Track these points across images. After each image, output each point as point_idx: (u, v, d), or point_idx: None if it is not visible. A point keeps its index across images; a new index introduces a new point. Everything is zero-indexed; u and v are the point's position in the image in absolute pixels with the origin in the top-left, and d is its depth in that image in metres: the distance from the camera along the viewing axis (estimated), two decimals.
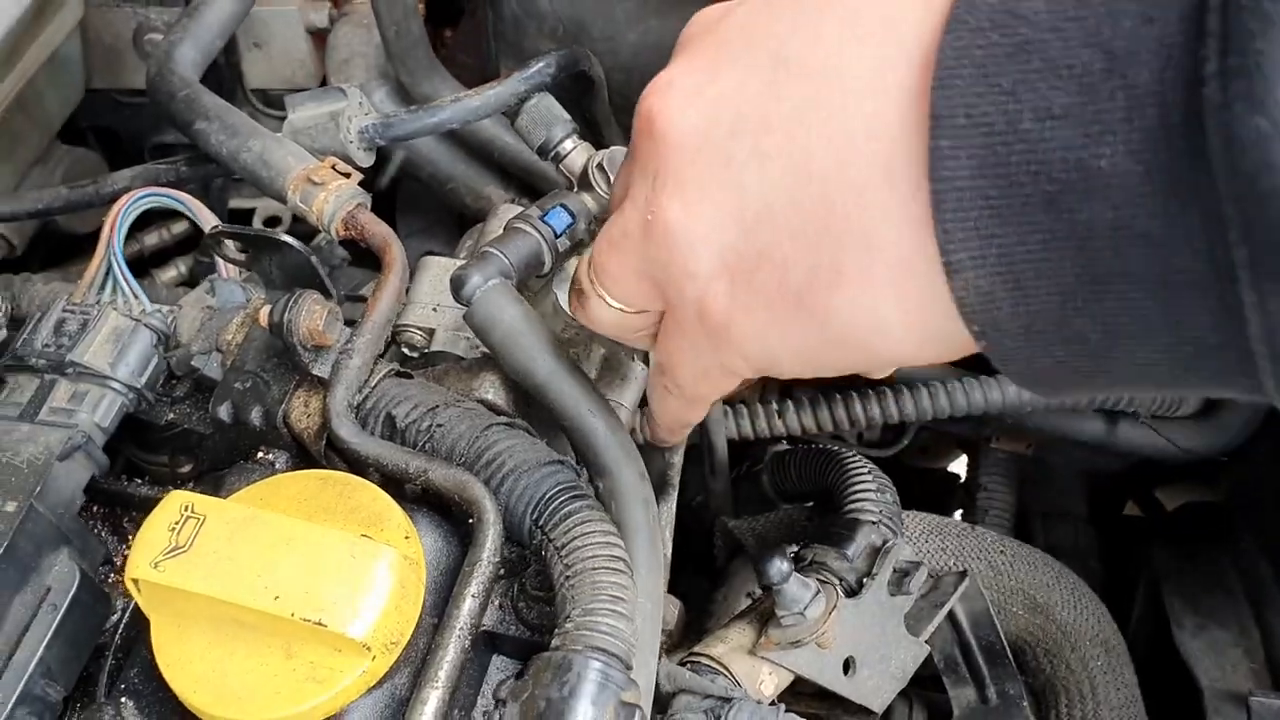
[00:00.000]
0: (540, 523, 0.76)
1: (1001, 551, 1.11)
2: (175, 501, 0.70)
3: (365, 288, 1.07)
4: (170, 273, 1.36)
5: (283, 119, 1.26)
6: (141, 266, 1.35)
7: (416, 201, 1.29)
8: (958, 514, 1.46)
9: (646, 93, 0.62)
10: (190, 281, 1.36)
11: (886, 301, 0.54)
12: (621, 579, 0.72)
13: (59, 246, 1.30)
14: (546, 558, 0.75)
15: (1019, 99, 0.47)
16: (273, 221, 1.34)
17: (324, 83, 1.25)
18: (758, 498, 1.18)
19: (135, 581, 0.68)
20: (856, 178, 0.53)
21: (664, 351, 0.69)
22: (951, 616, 1.05)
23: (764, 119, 0.56)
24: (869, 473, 1.03)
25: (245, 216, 1.36)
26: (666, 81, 0.61)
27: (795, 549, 0.99)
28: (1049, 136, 0.47)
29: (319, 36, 1.26)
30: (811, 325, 0.57)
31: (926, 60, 0.50)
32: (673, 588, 1.02)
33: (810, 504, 1.12)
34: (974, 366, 1.20)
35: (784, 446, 1.20)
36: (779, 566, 0.83)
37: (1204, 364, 0.48)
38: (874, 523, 0.98)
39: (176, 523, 0.69)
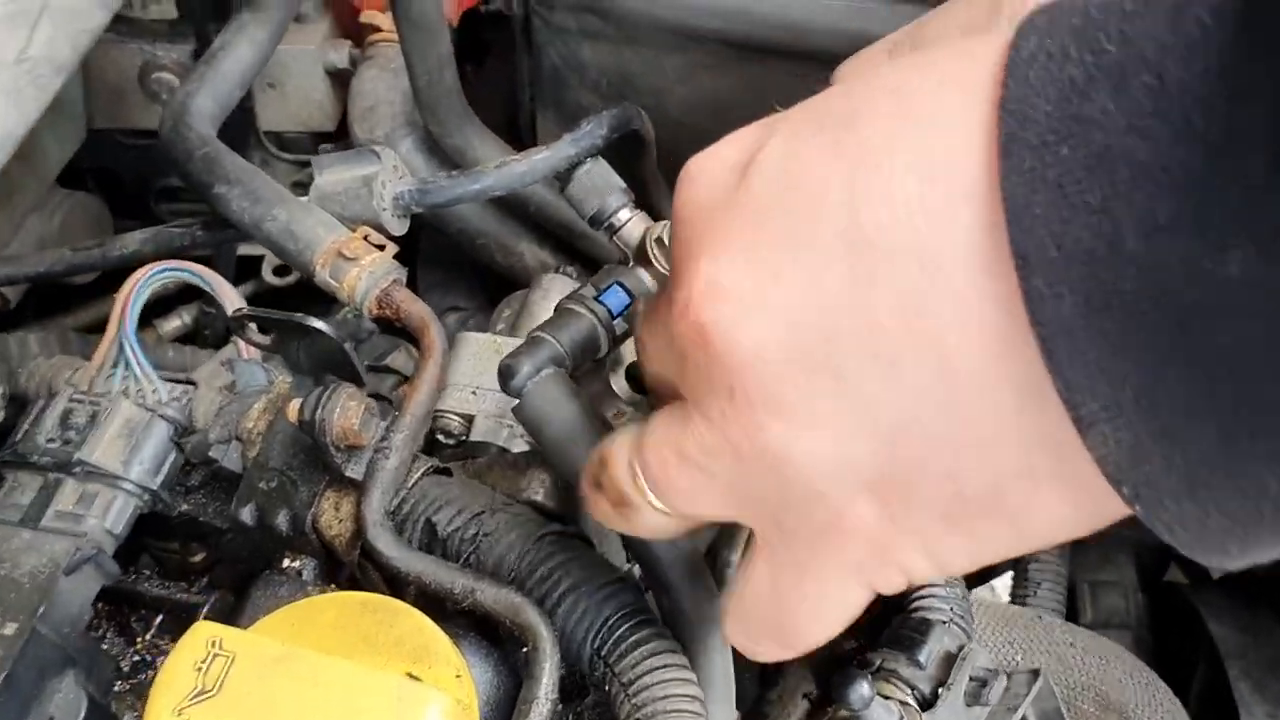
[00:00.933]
0: (603, 652, 0.68)
1: (1071, 644, 1.03)
2: (201, 636, 0.62)
3: (390, 357, 0.99)
4: (173, 323, 1.28)
5: (295, 163, 1.19)
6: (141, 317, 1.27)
7: (437, 250, 1.21)
8: (1006, 579, 1.39)
9: (688, 301, 0.50)
10: (194, 332, 1.28)
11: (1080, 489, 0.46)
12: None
13: (54, 296, 1.22)
14: (610, 693, 0.67)
15: (1114, 216, 0.39)
16: (283, 270, 1.26)
17: (343, 126, 1.17)
18: None
19: None
20: (981, 368, 0.45)
21: (764, 578, 0.56)
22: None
23: (867, 321, 0.46)
24: None
25: (253, 264, 1.28)
26: (710, 286, 0.49)
27: (853, 644, 0.92)
28: (1162, 251, 0.39)
29: (338, 77, 1.19)
30: (1006, 529, 0.49)
31: (991, 195, 0.43)
32: None
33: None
34: None
35: None
36: (861, 692, 0.75)
37: None
38: (945, 622, 0.90)
39: (203, 661, 0.61)
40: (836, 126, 0.48)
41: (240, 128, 1.21)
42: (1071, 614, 1.36)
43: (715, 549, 0.99)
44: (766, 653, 0.60)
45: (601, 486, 0.59)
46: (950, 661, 0.88)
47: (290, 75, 1.18)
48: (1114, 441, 0.42)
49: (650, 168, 0.99)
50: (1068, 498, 0.46)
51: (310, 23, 1.19)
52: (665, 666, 0.66)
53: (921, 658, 0.87)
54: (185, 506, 0.83)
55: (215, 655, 0.62)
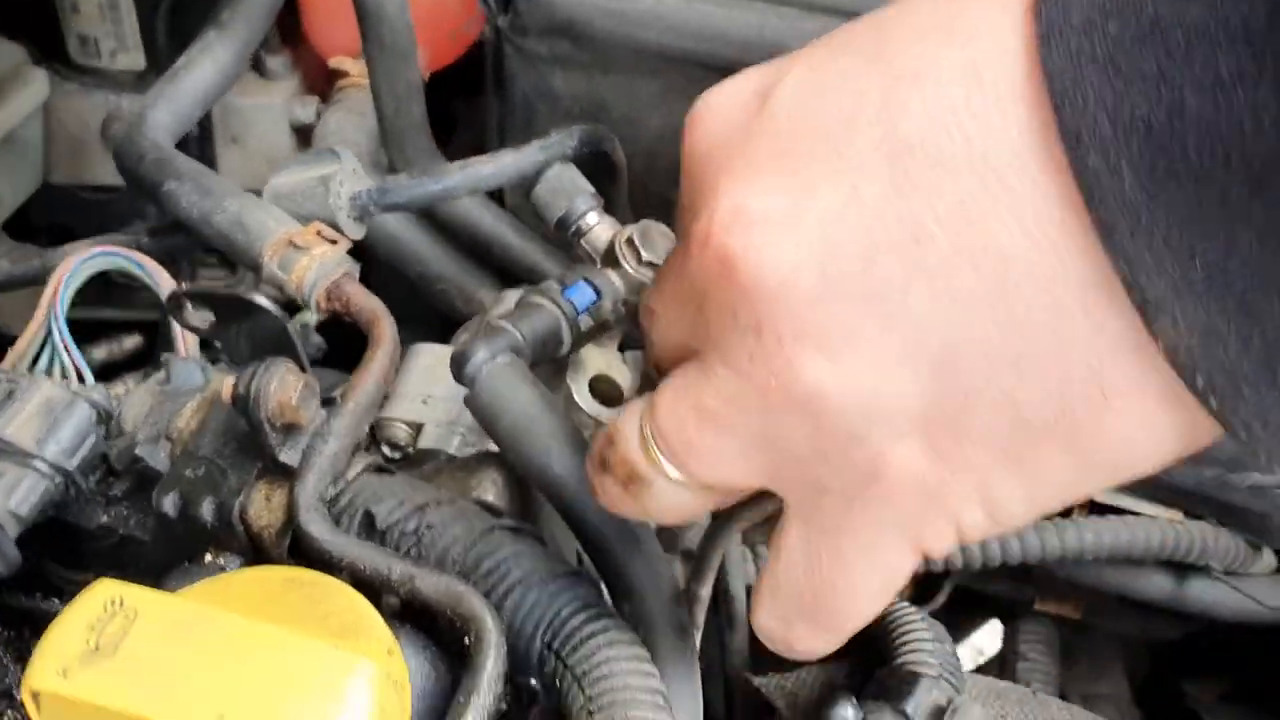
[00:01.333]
0: (554, 646, 0.61)
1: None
2: (99, 593, 0.55)
3: (338, 390, 0.94)
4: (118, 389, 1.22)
5: None
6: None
7: (391, 294, 1.17)
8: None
9: (709, 231, 0.46)
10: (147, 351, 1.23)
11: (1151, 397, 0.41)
12: (663, 717, 0.57)
13: None
14: (563, 689, 0.60)
15: (1172, 80, 0.37)
16: None
17: None
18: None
19: (35, 695, 0.53)
20: (1041, 270, 0.41)
21: (797, 549, 0.51)
22: None
23: (914, 232, 0.43)
24: (922, 619, 0.89)
25: None
26: (734, 210, 0.46)
27: (838, 695, 0.85)
28: (1229, 107, 0.36)
29: (303, 133, 1.16)
30: (1070, 459, 0.43)
31: (1040, 89, 0.40)
32: None
33: (847, 657, 0.98)
34: None
35: None
36: (846, 715, 0.68)
37: None
38: (935, 677, 0.84)
39: (99, 619, 0.54)
40: (865, 47, 0.46)
41: None
42: None
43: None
44: (802, 639, 0.53)
45: (608, 466, 0.53)
46: (939, 715, 0.81)
47: (253, 131, 1.16)
48: (1185, 326, 0.38)
49: (621, 197, 0.96)
50: (1139, 411, 0.42)
51: (278, 79, 1.18)
52: (625, 658, 0.60)
53: (909, 709, 0.81)
54: (105, 519, 0.76)
55: (115, 614, 0.54)
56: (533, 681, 0.63)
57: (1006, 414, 0.43)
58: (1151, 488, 1.06)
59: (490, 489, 0.72)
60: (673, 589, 0.68)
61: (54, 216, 1.22)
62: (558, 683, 0.60)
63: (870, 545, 0.48)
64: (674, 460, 0.50)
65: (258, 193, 1.09)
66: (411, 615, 0.64)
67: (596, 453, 0.54)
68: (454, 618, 0.61)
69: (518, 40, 0.94)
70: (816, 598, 0.50)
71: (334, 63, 1.11)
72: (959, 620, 1.37)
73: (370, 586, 0.63)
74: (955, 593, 1.21)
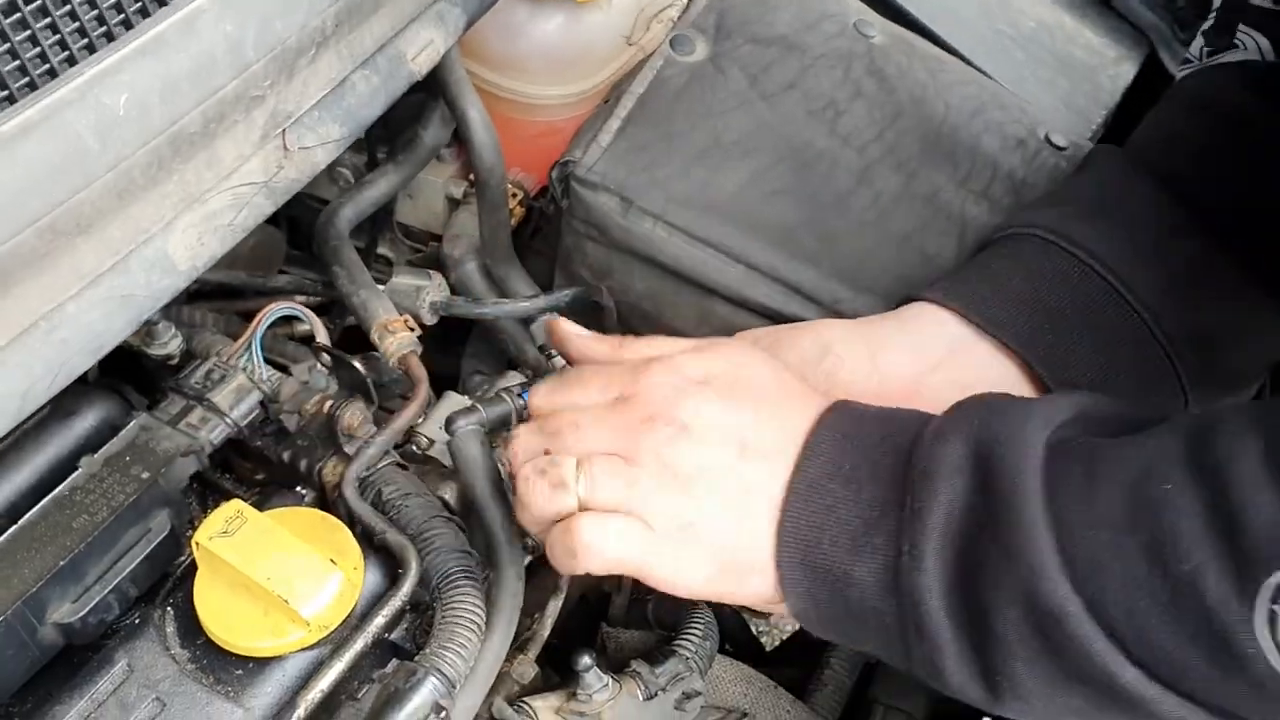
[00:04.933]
0: (440, 587, 1.22)
1: (789, 711, 1.52)
2: (234, 506, 1.18)
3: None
4: (304, 326, 1.86)
5: (411, 248, 1.77)
6: (287, 317, 1.85)
7: (484, 332, 1.77)
8: None
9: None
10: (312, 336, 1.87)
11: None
12: (471, 635, 1.17)
13: (233, 289, 1.82)
14: (436, 609, 1.21)
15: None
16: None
17: (443, 237, 1.74)
18: (643, 620, 1.62)
19: (197, 544, 1.16)
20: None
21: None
22: None
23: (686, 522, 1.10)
24: (704, 623, 1.47)
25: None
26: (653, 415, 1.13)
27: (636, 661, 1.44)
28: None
29: (451, 201, 1.76)
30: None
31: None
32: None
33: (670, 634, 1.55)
34: None
35: None
36: (584, 660, 1.27)
37: None
38: (687, 657, 1.42)
39: (231, 518, 1.17)
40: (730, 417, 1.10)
41: (384, 215, 1.80)
42: None
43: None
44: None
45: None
46: (675, 679, 1.39)
47: (423, 192, 1.75)
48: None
49: (610, 323, 1.54)
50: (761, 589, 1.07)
51: (445, 163, 1.77)
52: (466, 602, 1.19)
53: (658, 671, 1.39)
54: (258, 442, 1.39)
55: (238, 517, 1.17)
56: (427, 602, 1.24)
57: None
58: None
59: (448, 492, 1.33)
60: (519, 571, 1.27)
61: (290, 210, 1.85)
62: (434, 605, 1.21)
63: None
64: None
65: (413, 237, 1.68)
66: (382, 551, 1.26)
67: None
68: (399, 558, 1.23)
69: (569, 218, 1.51)
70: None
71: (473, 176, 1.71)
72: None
73: (367, 531, 1.25)
74: None
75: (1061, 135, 1.55)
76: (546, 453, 1.14)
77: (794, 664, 1.84)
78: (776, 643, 1.75)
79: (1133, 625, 0.83)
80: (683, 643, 1.44)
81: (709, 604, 1.59)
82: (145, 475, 1.22)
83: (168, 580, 1.26)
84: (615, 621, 1.61)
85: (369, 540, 1.24)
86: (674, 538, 1.06)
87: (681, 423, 1.07)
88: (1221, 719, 0.86)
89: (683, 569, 1.08)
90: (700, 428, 1.07)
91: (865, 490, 0.98)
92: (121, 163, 0.88)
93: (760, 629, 1.72)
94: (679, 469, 1.06)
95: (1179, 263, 1.26)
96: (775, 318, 1.44)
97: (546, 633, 1.44)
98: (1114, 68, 1.87)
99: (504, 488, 1.30)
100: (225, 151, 0.97)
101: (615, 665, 1.43)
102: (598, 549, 1.08)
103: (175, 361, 1.41)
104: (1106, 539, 0.85)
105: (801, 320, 1.41)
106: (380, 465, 1.31)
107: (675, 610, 1.55)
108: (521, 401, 1.34)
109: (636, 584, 1.65)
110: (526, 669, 1.39)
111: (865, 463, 1.00)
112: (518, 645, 1.33)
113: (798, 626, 1.74)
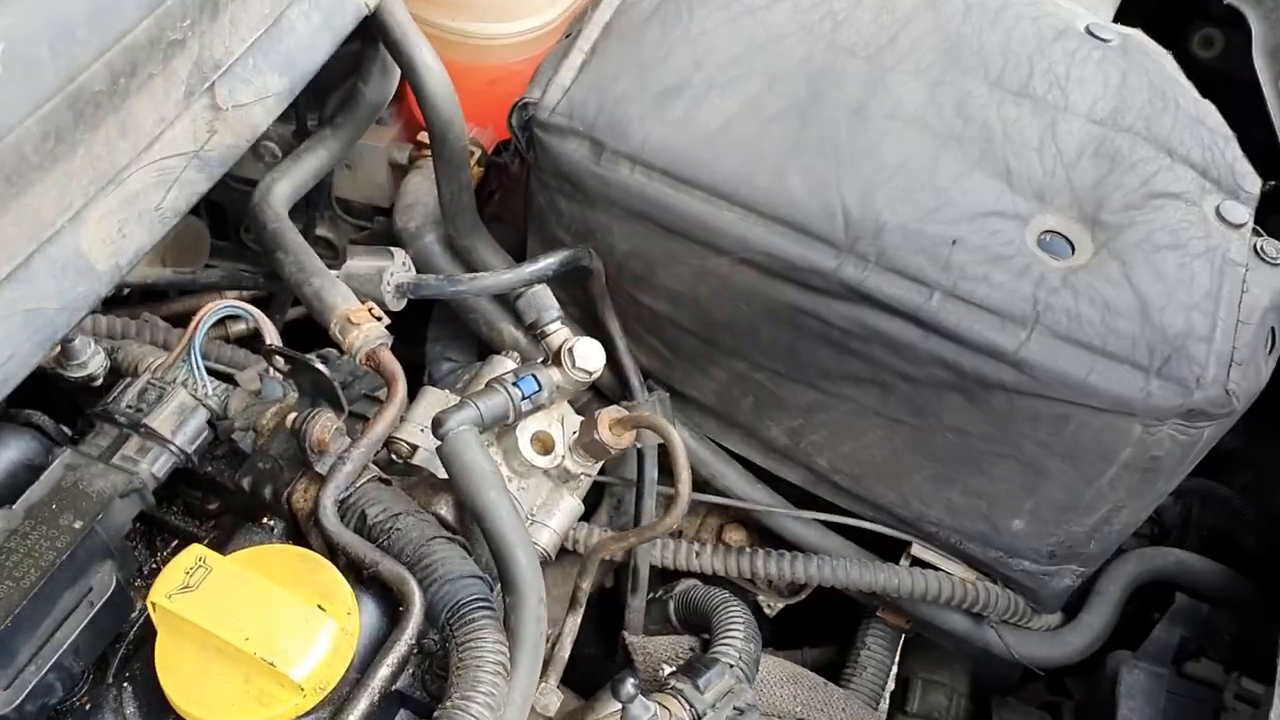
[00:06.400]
0: (451, 622, 1.02)
1: (844, 710, 1.35)
2: (194, 553, 0.97)
3: (382, 390, 1.34)
4: (240, 326, 1.64)
5: (356, 226, 1.56)
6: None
7: (448, 313, 1.56)
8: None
9: None
10: (254, 335, 1.64)
11: None
12: (497, 680, 0.97)
13: (155, 290, 1.59)
14: (450, 649, 1.01)
15: None
16: None
17: (391, 208, 1.52)
18: (664, 620, 1.43)
19: (153, 604, 0.95)
20: None
21: None
22: None
23: None
24: (743, 623, 1.28)
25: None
26: None
27: (669, 670, 1.25)
28: None
29: (397, 169, 1.55)
30: None
31: None
32: (587, 680, 1.29)
33: (703, 636, 1.37)
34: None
35: (694, 583, 1.44)
36: (627, 689, 1.08)
37: None
38: (731, 665, 1.23)
39: (191, 568, 0.96)
40: None
41: (320, 192, 1.58)
42: (902, 701, 1.66)
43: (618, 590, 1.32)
44: None
45: None
46: (724, 694, 1.20)
47: (363, 161, 1.55)
48: None
49: (599, 288, 1.34)
50: None
51: (385, 125, 1.56)
52: (486, 640, 0.99)
53: (702, 685, 1.20)
54: (209, 468, 1.17)
55: (200, 566, 0.96)
56: (434, 639, 1.04)
57: None
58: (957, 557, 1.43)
59: (444, 506, 1.13)
60: (540, 593, 1.07)
61: (211, 195, 1.63)
62: (449, 645, 1.01)
63: None
64: None
65: (356, 214, 1.47)
66: (375, 584, 1.05)
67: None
68: (398, 592, 1.03)
69: (537, 173, 1.31)
70: None
71: (421, 137, 1.49)
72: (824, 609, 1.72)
73: (354, 563, 1.05)
74: (818, 593, 1.59)
75: (1104, 28, 1.38)
76: None
77: (827, 644, 1.68)
78: (777, 610, 1.57)
79: None
80: (724, 648, 1.25)
81: (741, 595, 1.42)
82: (78, 525, 1.01)
83: (120, 646, 1.05)
84: (634, 628, 1.42)
85: (358, 574, 1.04)
86: None
87: None
88: None
89: None
90: None
91: None
92: (6, 136, 0.66)
93: (764, 602, 1.55)
94: None
95: None
96: (781, 269, 1.24)
97: (567, 654, 1.25)
98: None
99: (510, 493, 1.10)
100: (142, 114, 0.76)
101: (647, 679, 1.25)
102: None
103: (99, 382, 1.20)
104: None
105: (815, 273, 1.22)
106: (360, 483, 1.10)
107: (701, 608, 1.36)
108: (519, 392, 1.14)
109: (653, 579, 1.48)
110: (551, 699, 1.20)
111: None
112: None
113: (797, 594, 1.60)
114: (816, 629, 1.72)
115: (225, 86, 0.83)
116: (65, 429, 1.16)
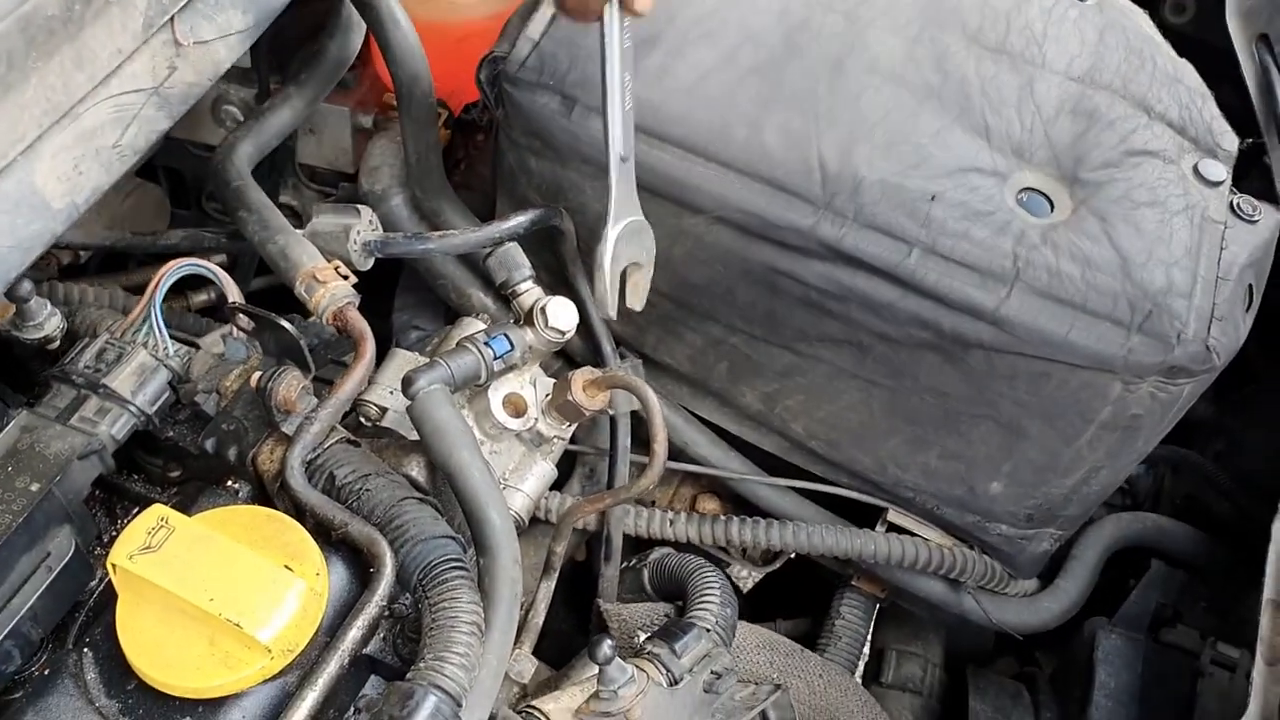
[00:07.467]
0: (424, 583, 0.99)
1: (820, 675, 1.33)
2: (155, 513, 0.94)
3: (349, 355, 1.31)
4: (202, 296, 1.60)
5: (320, 193, 1.52)
6: (180, 289, 1.58)
7: (415, 281, 1.53)
8: None
9: None
10: (217, 304, 1.60)
11: None
12: (472, 640, 0.94)
13: (114, 259, 1.55)
14: (422, 610, 0.98)
15: None
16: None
17: (356, 174, 1.49)
18: (638, 588, 1.41)
19: (114, 566, 0.92)
20: None
21: None
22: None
23: None
24: (719, 588, 1.26)
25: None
26: None
27: (645, 636, 1.22)
28: None
29: (362, 133, 1.51)
30: None
31: None
32: (560, 655, 1.26)
33: (678, 603, 1.35)
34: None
35: (668, 551, 1.41)
36: (604, 651, 1.05)
37: None
38: (708, 630, 1.21)
39: (153, 528, 0.93)
40: None
41: (283, 158, 1.54)
42: (877, 672, 1.65)
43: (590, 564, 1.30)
44: None
45: None
46: (701, 658, 1.18)
47: (327, 125, 1.51)
48: None
49: (570, 250, 1.31)
50: None
51: (350, 88, 1.52)
52: (460, 600, 0.96)
53: (679, 649, 1.18)
54: (171, 433, 1.14)
55: (162, 526, 0.93)
56: (406, 603, 1.01)
57: None
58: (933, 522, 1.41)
59: (415, 468, 1.10)
60: (515, 554, 1.05)
61: (169, 161, 1.59)
62: (419, 606, 0.98)
63: None
64: None
65: (320, 181, 1.43)
66: (344, 547, 1.02)
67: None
68: (368, 554, 1.00)
69: (507, 130, 1.28)
70: None
71: (387, 99, 1.46)
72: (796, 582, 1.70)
73: (323, 525, 1.02)
74: (794, 561, 1.57)
75: None
76: None
77: (801, 617, 1.67)
78: (750, 585, 1.55)
79: None
80: (701, 613, 1.23)
81: (716, 562, 1.40)
82: (35, 487, 0.98)
83: (79, 613, 1.01)
84: (609, 596, 1.40)
85: (326, 537, 1.01)
86: None
87: None
88: None
89: None
90: None
91: None
92: None
93: (740, 574, 1.53)
94: None
95: None
96: (758, 228, 1.22)
97: (540, 620, 1.23)
98: None
99: (482, 453, 1.07)
100: (98, 45, 0.73)
101: (623, 646, 1.22)
102: None
103: (56, 345, 1.15)
104: None
105: (792, 230, 1.20)
106: (328, 444, 1.07)
107: (676, 575, 1.34)
108: (490, 351, 1.11)
109: (626, 550, 1.46)
110: (525, 665, 1.18)
111: None
112: None
113: (771, 563, 1.59)
114: (790, 602, 1.71)
115: (186, 21, 0.80)
116: (19, 395, 1.12)
